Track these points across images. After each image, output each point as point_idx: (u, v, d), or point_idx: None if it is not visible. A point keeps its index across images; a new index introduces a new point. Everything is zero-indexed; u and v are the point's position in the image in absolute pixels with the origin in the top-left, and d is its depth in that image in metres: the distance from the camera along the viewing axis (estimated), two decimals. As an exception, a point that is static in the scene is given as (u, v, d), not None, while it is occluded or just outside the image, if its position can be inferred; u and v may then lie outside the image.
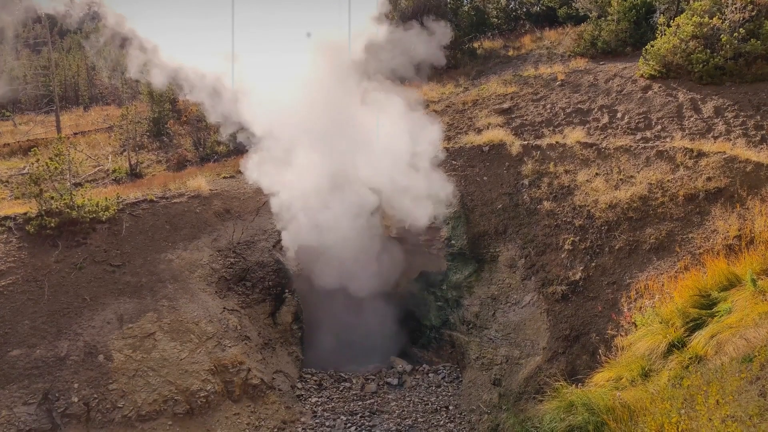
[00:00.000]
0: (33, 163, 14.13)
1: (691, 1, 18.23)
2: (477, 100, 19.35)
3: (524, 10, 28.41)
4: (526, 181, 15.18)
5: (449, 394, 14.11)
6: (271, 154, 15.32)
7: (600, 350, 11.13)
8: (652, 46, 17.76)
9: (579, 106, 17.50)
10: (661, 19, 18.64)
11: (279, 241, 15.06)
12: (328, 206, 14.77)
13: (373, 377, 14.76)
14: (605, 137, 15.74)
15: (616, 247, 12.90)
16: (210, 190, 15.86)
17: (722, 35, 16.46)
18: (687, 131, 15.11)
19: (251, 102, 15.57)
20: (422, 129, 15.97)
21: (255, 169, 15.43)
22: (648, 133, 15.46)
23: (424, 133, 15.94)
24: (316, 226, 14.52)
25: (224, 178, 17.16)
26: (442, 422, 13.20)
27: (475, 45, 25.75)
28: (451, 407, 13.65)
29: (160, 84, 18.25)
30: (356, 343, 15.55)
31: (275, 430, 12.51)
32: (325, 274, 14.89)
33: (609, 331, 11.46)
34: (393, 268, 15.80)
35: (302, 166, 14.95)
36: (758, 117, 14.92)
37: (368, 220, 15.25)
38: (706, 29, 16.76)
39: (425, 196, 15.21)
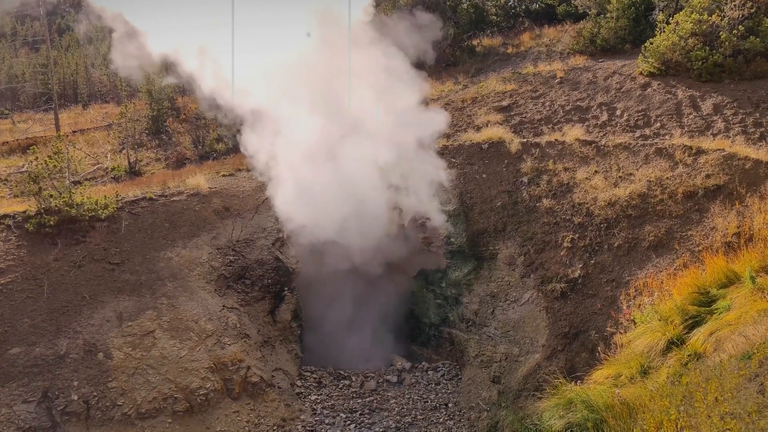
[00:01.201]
0: (32, 162, 14.13)
1: (690, -2, 18.22)
2: (476, 97, 19.34)
3: (523, 7, 28.38)
4: (525, 179, 15.18)
5: (448, 391, 14.14)
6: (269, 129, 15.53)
7: (599, 348, 11.15)
8: (651, 44, 17.75)
9: (578, 103, 17.49)
10: (661, 17, 18.63)
11: (279, 238, 15.05)
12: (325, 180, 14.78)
13: (373, 375, 14.77)
14: (604, 135, 15.75)
15: (615, 245, 12.91)
16: (209, 188, 15.84)
17: (721, 32, 16.46)
18: (686, 128, 15.11)
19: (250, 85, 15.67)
20: (421, 125, 15.98)
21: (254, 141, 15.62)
22: (647, 131, 15.46)
23: (424, 128, 15.97)
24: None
25: (223, 176, 17.14)
26: (441, 420, 13.23)
27: (474, 42, 25.74)
28: (450, 405, 13.67)
29: (147, 67, 18.33)
30: (355, 340, 15.57)
31: (275, 427, 12.53)
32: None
33: (608, 329, 11.47)
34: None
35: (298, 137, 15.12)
36: (757, 114, 14.92)
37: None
38: (705, 26, 16.75)
39: (424, 193, 15.24)
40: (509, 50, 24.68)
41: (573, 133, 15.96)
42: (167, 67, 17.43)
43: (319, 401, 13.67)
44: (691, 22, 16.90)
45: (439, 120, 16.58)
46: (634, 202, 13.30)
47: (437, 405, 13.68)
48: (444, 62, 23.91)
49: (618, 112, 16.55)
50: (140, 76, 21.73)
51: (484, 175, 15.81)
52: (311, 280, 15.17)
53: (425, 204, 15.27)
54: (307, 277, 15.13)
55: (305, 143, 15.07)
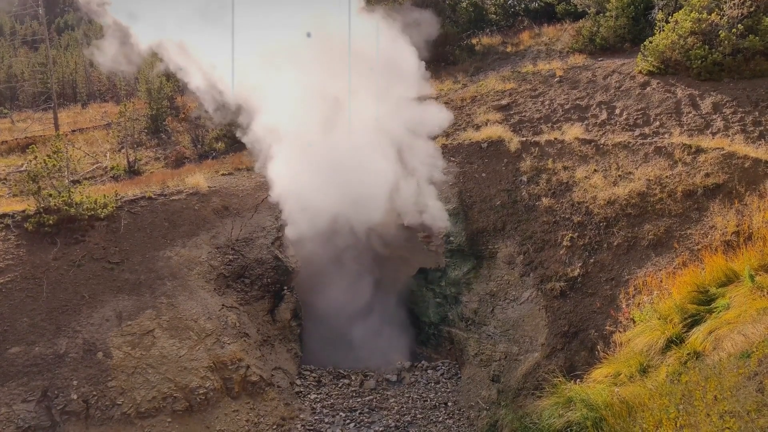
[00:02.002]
0: (31, 161, 14.10)
1: (689, -3, 18.21)
2: (475, 96, 19.33)
3: (523, 6, 28.37)
4: (524, 178, 15.18)
5: (448, 390, 14.14)
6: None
7: (598, 346, 11.16)
8: (651, 42, 17.75)
9: (577, 102, 17.49)
10: (660, 15, 18.63)
11: (278, 237, 15.05)
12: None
13: (372, 374, 14.78)
14: (604, 133, 15.75)
15: (615, 244, 12.91)
16: (208, 187, 15.84)
17: (721, 31, 16.46)
18: (685, 127, 15.11)
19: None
20: (422, 122, 15.99)
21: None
22: (646, 129, 15.46)
23: (425, 126, 15.99)
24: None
25: (223, 175, 17.14)
26: (440, 418, 13.23)
27: (474, 41, 25.73)
28: (449, 403, 13.68)
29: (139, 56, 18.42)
30: (354, 340, 15.57)
31: (274, 426, 12.53)
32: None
33: (607, 328, 11.48)
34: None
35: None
36: (756, 113, 14.93)
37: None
38: (704, 25, 16.75)
39: (423, 191, 15.23)
40: (508, 49, 24.67)
41: (572, 131, 15.97)
42: (158, 59, 17.44)
43: (318, 400, 13.68)
44: (690, 21, 16.90)
45: (441, 117, 16.57)
46: (634, 201, 13.30)
47: (437, 404, 13.68)
48: (443, 61, 23.89)
49: (617, 111, 16.55)
50: (129, 69, 21.73)
51: (484, 174, 15.81)
52: (310, 273, 15.21)
53: (424, 202, 15.26)
54: (305, 270, 15.17)
55: (305, 135, 15.08)
